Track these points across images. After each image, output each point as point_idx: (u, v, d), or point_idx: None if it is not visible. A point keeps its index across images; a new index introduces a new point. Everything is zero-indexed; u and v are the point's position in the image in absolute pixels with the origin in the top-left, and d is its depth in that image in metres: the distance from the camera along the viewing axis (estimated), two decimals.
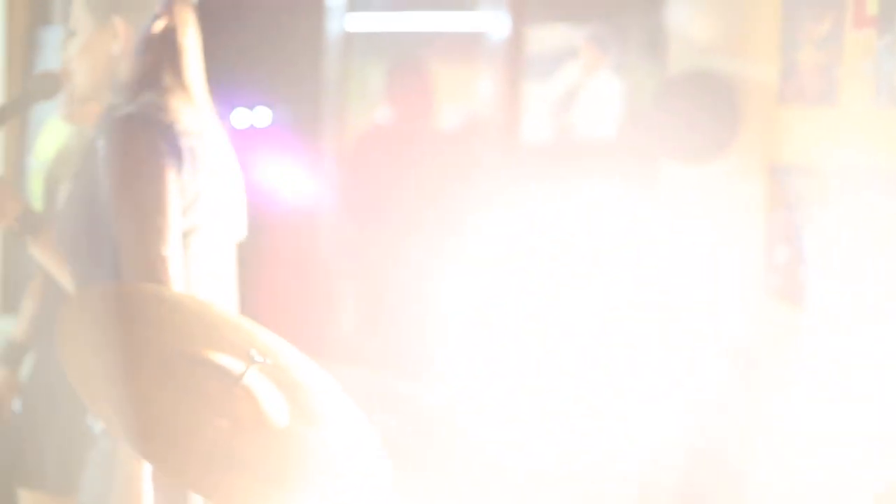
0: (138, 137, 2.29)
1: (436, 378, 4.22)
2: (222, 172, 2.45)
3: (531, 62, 4.47)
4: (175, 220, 2.28)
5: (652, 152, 3.81)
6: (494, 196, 4.43)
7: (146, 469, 2.26)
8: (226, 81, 2.75)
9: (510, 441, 3.89)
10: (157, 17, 2.44)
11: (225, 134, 2.51)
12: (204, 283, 2.37)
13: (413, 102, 4.91)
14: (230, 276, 2.50)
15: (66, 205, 2.52)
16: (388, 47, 5.08)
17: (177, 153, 2.31)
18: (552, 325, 4.07)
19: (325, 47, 4.82)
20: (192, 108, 2.42)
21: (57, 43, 5.52)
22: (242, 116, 4.40)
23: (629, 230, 3.96)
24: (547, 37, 4.46)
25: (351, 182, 4.84)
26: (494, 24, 4.45)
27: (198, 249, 2.38)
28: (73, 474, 3.22)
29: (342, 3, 4.82)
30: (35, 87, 2.55)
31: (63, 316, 1.72)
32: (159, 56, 2.43)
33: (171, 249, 2.26)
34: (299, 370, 1.90)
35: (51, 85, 2.54)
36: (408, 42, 5.04)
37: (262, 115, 4.50)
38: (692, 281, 3.67)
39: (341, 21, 4.82)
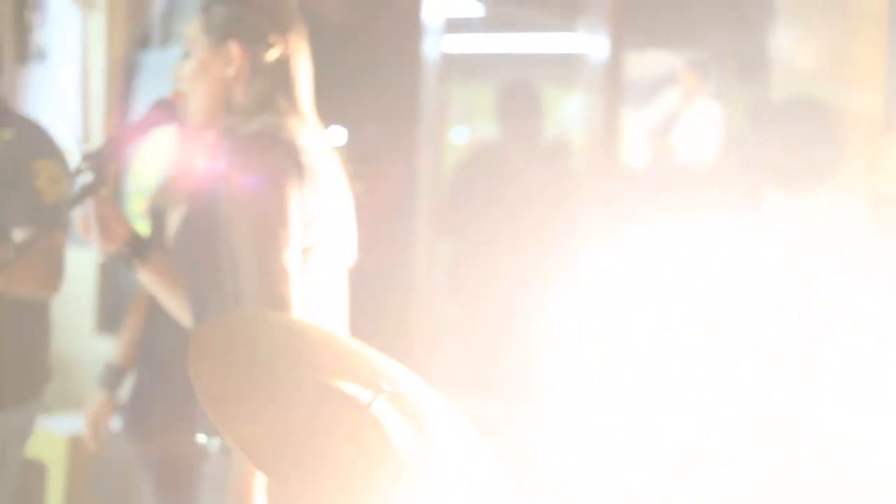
0: (263, 154, 2.34)
1: (536, 401, 4.21)
2: (336, 194, 2.48)
3: (630, 87, 4.46)
4: (297, 234, 2.32)
5: (753, 179, 3.79)
6: (593, 220, 4.43)
7: (260, 486, 2.29)
8: (324, 101, 2.77)
9: (612, 464, 3.87)
10: (271, 44, 2.47)
11: (336, 157, 2.53)
12: (318, 304, 2.39)
13: (522, 124, 4.93)
14: (342, 299, 2.51)
15: (183, 227, 2.56)
16: (485, 68, 5.11)
17: (299, 171, 2.35)
18: (649, 348, 4.06)
19: (423, 68, 4.86)
20: (307, 130, 2.46)
21: (155, 66, 5.61)
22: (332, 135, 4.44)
23: (729, 256, 3.93)
24: (646, 62, 4.46)
25: (452, 203, 4.85)
26: (593, 47, 4.45)
27: (314, 269, 2.40)
28: (175, 491, 3.27)
29: (440, 24, 4.84)
30: (155, 112, 2.57)
31: (196, 338, 1.75)
32: (274, 81, 2.46)
33: (293, 262, 2.29)
34: (421, 397, 1.91)
35: (171, 110, 2.57)
36: (505, 63, 5.06)
37: (338, 134, 4.54)
38: (793, 308, 3.64)
39: (438, 42, 4.85)
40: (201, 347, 1.70)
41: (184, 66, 2.54)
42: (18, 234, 3.16)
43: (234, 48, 2.46)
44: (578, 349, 4.21)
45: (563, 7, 4.65)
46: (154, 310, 3.07)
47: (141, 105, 5.41)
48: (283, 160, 2.33)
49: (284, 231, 2.30)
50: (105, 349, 5.44)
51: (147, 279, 2.64)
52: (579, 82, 4.52)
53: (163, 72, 5.55)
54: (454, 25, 4.88)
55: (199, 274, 2.48)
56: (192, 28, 2.53)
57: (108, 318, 5.60)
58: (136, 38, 5.73)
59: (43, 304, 3.33)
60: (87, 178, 2.44)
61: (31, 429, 3.40)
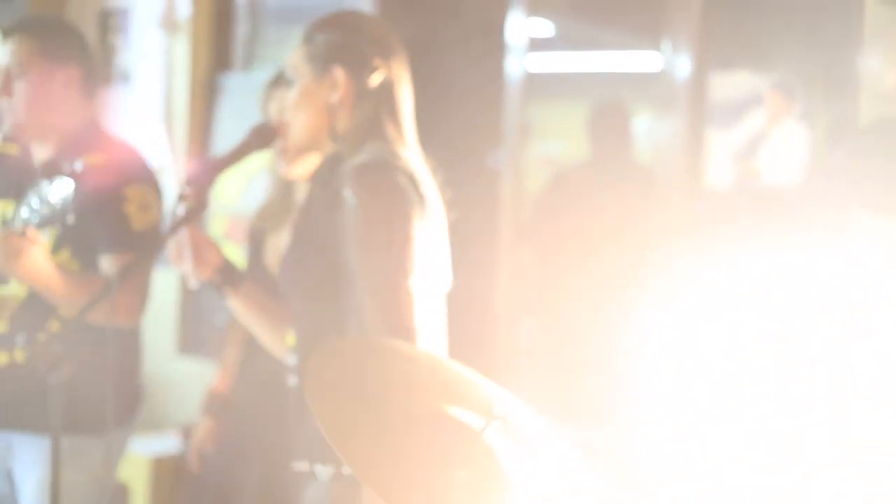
0: (387, 182, 2.36)
1: (620, 423, 4.20)
2: (438, 219, 2.50)
3: (715, 108, 4.45)
4: (420, 262, 2.36)
5: (841, 201, 3.76)
6: (677, 241, 4.42)
7: None
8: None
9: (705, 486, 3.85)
10: (375, 69, 2.49)
11: (435, 183, 2.54)
12: (424, 328, 2.40)
13: (613, 144, 4.94)
14: (442, 323, 2.52)
15: (291, 251, 2.59)
16: (568, 88, 5.12)
17: (419, 199, 2.39)
18: (732, 370, 4.03)
19: (505, 88, 4.88)
20: (414, 157, 2.49)
21: (238, 88, 5.68)
22: None
23: (815, 279, 3.90)
24: (731, 83, 4.44)
25: (539, 223, 4.86)
26: (678, 67, 4.45)
27: (422, 294, 2.41)
28: None
29: (522, 43, 4.86)
30: (254, 137, 2.60)
31: (313, 363, 1.78)
32: (378, 107, 2.49)
33: (418, 289, 2.33)
34: (529, 422, 1.94)
35: (269, 135, 2.59)
36: (588, 83, 5.07)
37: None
38: (880, 332, 3.60)
39: (521, 62, 4.87)
40: (318, 372, 1.73)
41: (287, 94, 2.58)
42: (105, 262, 3.20)
43: (339, 74, 2.49)
44: (662, 371, 4.20)
45: (648, 27, 4.64)
46: (251, 336, 3.09)
47: (226, 127, 5.49)
48: (406, 188, 2.37)
49: (410, 259, 2.34)
50: (187, 371, 5.51)
51: (237, 306, 2.67)
52: (663, 102, 4.51)
53: (245, 94, 5.64)
54: (537, 44, 4.89)
55: (308, 299, 2.50)
56: (294, 58, 2.56)
57: (189, 339, 5.66)
58: (218, 60, 5.80)
59: (136, 328, 3.37)
60: (186, 205, 2.47)
61: (125, 451, 3.44)
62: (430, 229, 2.43)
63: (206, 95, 5.75)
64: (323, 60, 2.50)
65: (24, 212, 2.87)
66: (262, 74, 5.76)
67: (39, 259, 2.96)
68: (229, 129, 5.42)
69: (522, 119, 4.82)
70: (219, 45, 5.82)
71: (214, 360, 5.17)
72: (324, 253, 2.44)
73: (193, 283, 2.60)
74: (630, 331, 4.39)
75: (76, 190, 2.76)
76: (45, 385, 2.85)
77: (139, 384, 3.46)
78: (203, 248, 2.59)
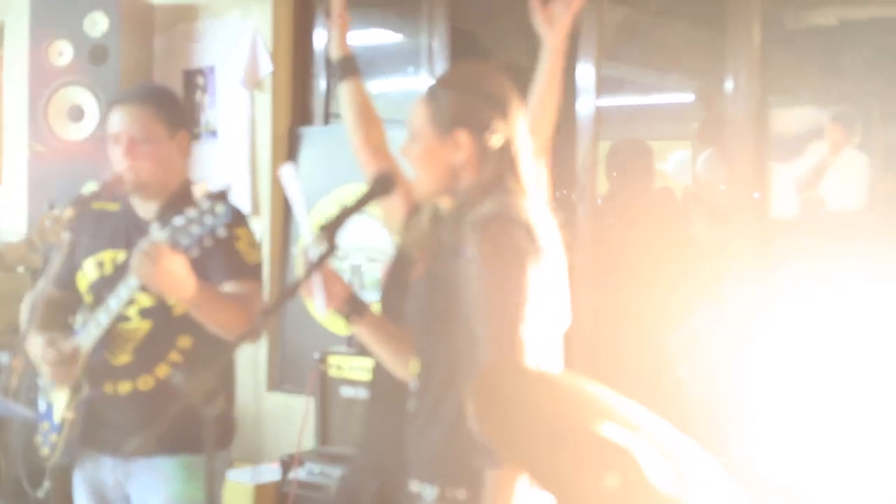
0: (509, 234, 2.50)
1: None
2: (559, 265, 2.63)
3: (777, 141, 4.61)
4: (534, 310, 2.48)
5: None
6: (744, 270, 4.60)
7: None
8: None
9: None
10: (496, 132, 2.63)
11: (556, 227, 2.66)
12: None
13: (631, 177, 5.15)
14: (559, 362, 2.67)
15: (418, 286, 2.78)
16: (633, 123, 5.26)
17: (535, 250, 2.51)
18: (799, 392, 4.14)
19: (576, 125, 5.06)
20: (533, 206, 2.61)
21: (317, 141, 5.92)
22: None
23: (879, 305, 4.02)
24: (792, 118, 4.61)
25: (605, 253, 4.99)
26: (740, 102, 4.63)
27: (541, 337, 2.54)
28: None
29: (592, 83, 5.05)
30: (376, 186, 2.80)
31: (477, 385, 1.93)
32: (500, 164, 2.62)
33: (531, 335, 2.46)
34: (671, 437, 2.09)
35: (389, 184, 2.81)
36: (652, 118, 5.20)
37: None
38: None
39: (592, 98, 5.04)
40: (482, 393, 1.92)
41: (409, 147, 2.73)
42: (227, 286, 3.47)
43: (463, 137, 2.62)
44: (733, 394, 4.30)
45: (710, 63, 4.83)
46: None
47: (307, 177, 5.67)
48: (523, 240, 2.50)
49: (525, 306, 2.46)
50: (276, 406, 5.74)
51: (362, 333, 2.87)
52: (728, 136, 4.70)
53: (324, 145, 5.88)
54: (606, 85, 5.08)
55: (430, 333, 2.68)
56: (417, 113, 2.70)
57: (278, 376, 5.92)
58: (298, 114, 6.07)
59: (232, 359, 3.62)
60: (319, 248, 2.69)
61: (225, 474, 3.77)
62: (549, 274, 2.55)
63: (287, 148, 6.02)
64: (446, 122, 2.62)
65: (166, 233, 3.13)
66: (340, 129, 6.02)
67: (182, 269, 3.21)
68: (310, 179, 5.66)
69: (593, 155, 5.03)
70: (298, 100, 6.10)
71: (298, 395, 5.43)
72: (446, 294, 2.59)
73: (322, 312, 2.81)
74: (698, 359, 4.53)
75: (216, 218, 3.04)
76: (163, 412, 3.13)
77: (235, 412, 3.74)
78: (333, 282, 2.79)
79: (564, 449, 1.91)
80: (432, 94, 2.70)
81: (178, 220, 3.09)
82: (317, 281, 2.77)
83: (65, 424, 3.58)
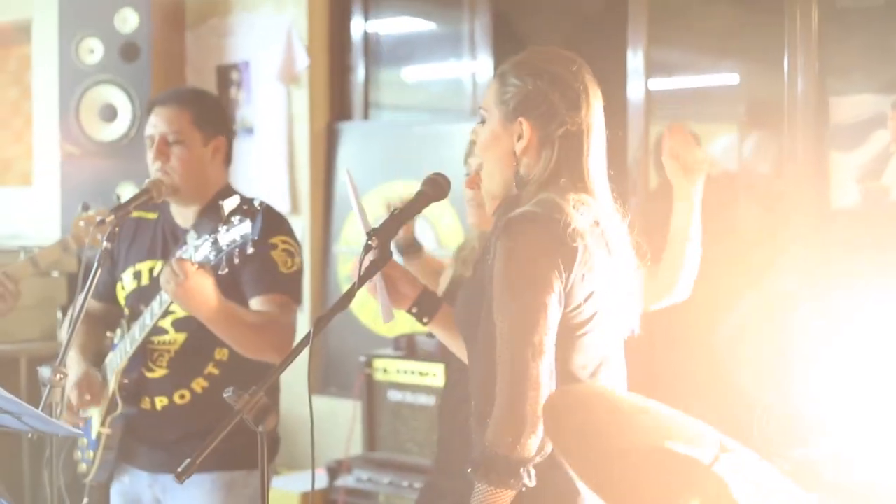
0: (528, 236, 2.37)
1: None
2: (618, 266, 2.49)
3: (837, 130, 4.50)
4: (553, 316, 2.35)
5: None
6: (805, 261, 4.47)
7: None
8: None
9: None
10: (562, 124, 2.49)
11: (622, 226, 2.54)
12: (600, 375, 2.44)
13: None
14: (621, 368, 2.54)
15: (463, 293, 2.67)
16: (685, 107, 5.17)
17: (569, 253, 2.37)
18: (863, 387, 4.04)
19: (627, 109, 4.96)
20: (590, 205, 2.47)
21: (356, 136, 5.81)
22: None
23: None
24: (852, 105, 4.50)
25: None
26: (797, 89, 4.52)
27: (593, 343, 2.43)
28: None
29: (641, 65, 4.94)
30: (429, 188, 2.66)
31: (552, 401, 1.91)
32: (561, 157, 2.48)
33: (543, 345, 2.32)
34: (747, 455, 2.01)
35: (444, 186, 2.67)
36: (706, 103, 5.11)
37: None
38: None
39: (642, 83, 4.94)
40: (557, 409, 1.85)
41: (480, 131, 2.61)
42: (256, 304, 3.36)
43: (525, 125, 2.49)
44: (797, 391, 4.21)
45: (768, 49, 4.70)
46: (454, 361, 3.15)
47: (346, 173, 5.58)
48: (549, 244, 2.37)
49: (537, 313, 2.33)
50: (319, 411, 5.62)
51: (436, 332, 2.75)
52: (787, 122, 4.56)
53: (363, 140, 5.77)
54: (655, 67, 4.97)
55: (472, 340, 2.56)
56: (488, 95, 2.57)
57: (320, 381, 5.80)
58: (334, 111, 5.94)
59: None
60: (372, 255, 2.55)
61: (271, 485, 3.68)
62: (596, 279, 2.42)
63: (326, 144, 5.90)
64: (511, 108, 2.50)
65: (193, 251, 3.04)
66: (379, 123, 5.93)
67: (206, 287, 3.11)
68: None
69: (644, 140, 4.90)
70: (336, 95, 5.98)
71: (344, 399, 5.33)
72: (481, 299, 2.48)
73: (388, 317, 2.68)
74: (762, 351, 4.42)
75: (243, 237, 2.92)
76: (200, 427, 3.06)
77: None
78: (400, 283, 2.65)
79: (642, 471, 1.85)
80: (503, 74, 2.56)
81: (207, 238, 3.01)
82: (379, 288, 2.64)
83: (101, 440, 3.55)
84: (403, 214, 2.60)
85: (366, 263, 2.52)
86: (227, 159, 3.62)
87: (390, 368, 4.90)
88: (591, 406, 1.95)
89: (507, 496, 2.27)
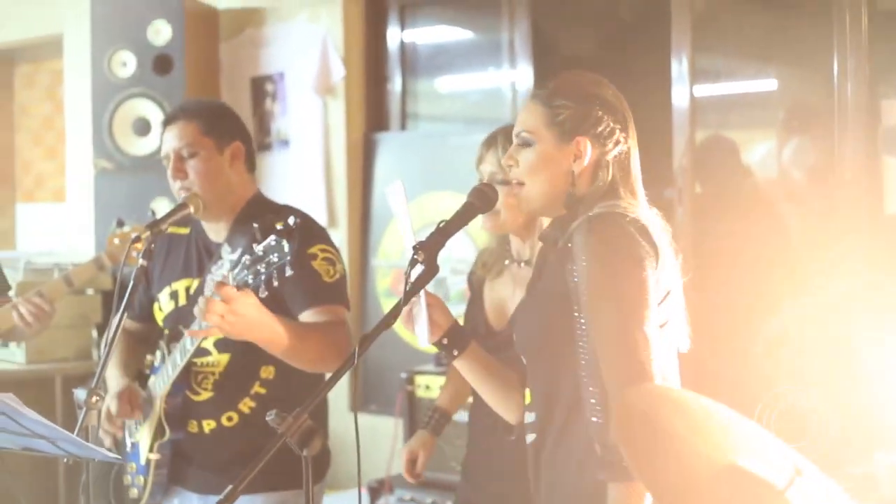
0: (618, 230, 2.37)
1: None
2: (674, 281, 2.48)
3: (889, 135, 4.43)
4: (654, 311, 2.34)
5: None
6: (859, 266, 4.40)
7: None
8: None
9: None
10: (618, 143, 2.52)
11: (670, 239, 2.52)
12: (662, 375, 2.38)
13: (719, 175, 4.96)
14: (677, 378, 2.50)
15: (524, 311, 2.62)
16: (730, 114, 5.13)
17: (652, 248, 2.38)
18: None
19: (671, 116, 4.89)
20: (645, 212, 2.49)
21: (394, 147, 5.73)
22: None
23: None
24: None
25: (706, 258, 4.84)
26: (847, 93, 4.44)
27: (665, 346, 2.41)
28: None
29: (686, 72, 4.86)
30: (477, 199, 2.60)
31: (623, 406, 1.90)
32: (615, 174, 2.51)
33: (653, 336, 2.31)
34: (822, 481, 1.93)
35: (491, 197, 2.60)
36: (751, 108, 5.07)
37: None
38: None
39: (687, 89, 4.87)
40: (629, 414, 1.81)
41: (519, 153, 2.57)
42: (306, 316, 3.26)
43: (585, 145, 2.50)
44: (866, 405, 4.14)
45: (815, 53, 4.63)
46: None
47: (384, 184, 5.52)
48: (638, 238, 2.37)
49: (643, 305, 2.33)
50: (360, 428, 5.54)
51: (463, 367, 2.69)
52: (839, 128, 4.49)
53: (400, 151, 5.70)
54: (700, 74, 4.90)
55: (543, 357, 2.51)
56: (531, 119, 2.56)
57: (360, 397, 5.71)
58: (371, 121, 5.87)
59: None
60: (418, 269, 2.48)
61: None
62: (669, 278, 2.43)
63: (363, 155, 5.82)
64: (568, 129, 2.51)
65: (228, 266, 2.94)
66: (416, 134, 5.86)
67: (255, 310, 2.99)
68: (387, 188, 5.47)
69: (690, 147, 4.82)
70: (372, 105, 5.91)
71: (384, 416, 5.24)
72: (558, 310, 2.43)
73: (424, 342, 2.62)
74: (809, 361, 4.34)
75: (280, 257, 2.83)
76: (250, 448, 2.96)
77: (327, 443, 3.56)
78: (436, 310, 2.60)
79: (709, 487, 1.78)
80: (548, 98, 2.55)
81: (242, 252, 2.90)
82: (421, 307, 2.56)
83: (150, 466, 3.48)
84: (450, 227, 2.54)
85: (412, 278, 2.45)
86: (250, 165, 3.50)
87: (433, 385, 4.80)
88: (662, 407, 1.88)
89: (644, 490, 2.24)
